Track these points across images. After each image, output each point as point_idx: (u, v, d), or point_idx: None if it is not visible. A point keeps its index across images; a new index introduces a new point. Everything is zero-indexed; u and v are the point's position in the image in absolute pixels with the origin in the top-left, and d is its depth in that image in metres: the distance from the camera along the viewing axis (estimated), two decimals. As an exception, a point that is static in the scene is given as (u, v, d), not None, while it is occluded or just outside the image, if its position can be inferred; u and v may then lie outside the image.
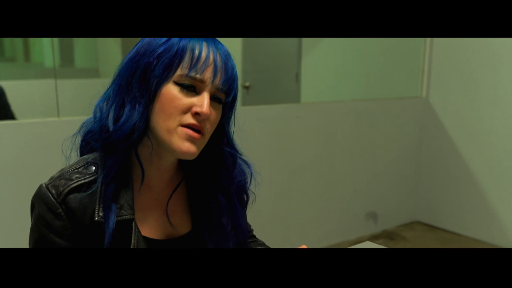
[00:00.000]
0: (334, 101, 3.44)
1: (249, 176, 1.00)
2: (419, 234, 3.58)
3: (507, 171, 3.23)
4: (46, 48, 4.56)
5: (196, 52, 0.81)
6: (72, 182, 0.82)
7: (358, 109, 3.38)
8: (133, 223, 0.84)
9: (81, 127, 0.90)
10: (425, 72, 3.65)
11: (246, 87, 4.53)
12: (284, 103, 3.55)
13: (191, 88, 0.81)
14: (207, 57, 0.81)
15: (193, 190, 0.95)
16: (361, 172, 3.46)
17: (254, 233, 1.20)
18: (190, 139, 0.81)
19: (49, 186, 0.82)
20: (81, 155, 0.90)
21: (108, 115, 0.84)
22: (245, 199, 1.01)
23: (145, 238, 0.87)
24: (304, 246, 0.95)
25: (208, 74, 0.81)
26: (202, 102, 0.81)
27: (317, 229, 3.28)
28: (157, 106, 0.82)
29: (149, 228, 0.89)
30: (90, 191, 0.82)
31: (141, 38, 0.87)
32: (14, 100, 3.23)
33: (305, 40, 4.14)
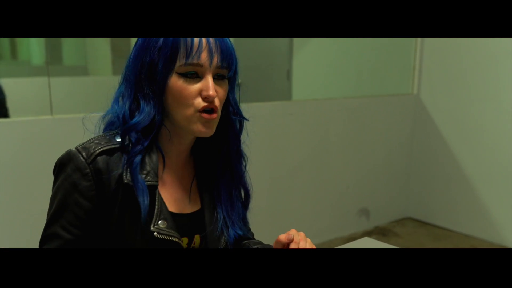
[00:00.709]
0: (327, 98, 3.45)
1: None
2: (411, 230, 3.61)
3: (497, 167, 3.27)
4: (33, 45, 4.50)
5: (189, 41, 0.87)
6: (101, 146, 0.89)
7: (350, 106, 3.39)
8: (157, 189, 0.91)
9: (103, 118, 0.96)
10: (416, 69, 3.67)
11: (237, 85, 4.52)
12: (276, 101, 3.55)
13: (194, 75, 0.88)
14: (200, 43, 0.87)
15: (201, 167, 1.02)
16: (353, 169, 3.47)
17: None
18: (207, 122, 0.90)
19: (79, 148, 0.89)
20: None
21: (124, 109, 0.91)
22: (243, 160, 1.07)
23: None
24: (293, 230, 1.01)
25: (204, 58, 0.87)
26: (207, 86, 0.88)
27: (310, 226, 3.29)
28: (170, 98, 0.90)
29: (167, 201, 0.95)
30: (117, 156, 0.89)
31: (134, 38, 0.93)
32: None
33: (296, 38, 4.14)
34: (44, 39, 3.64)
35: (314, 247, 0.98)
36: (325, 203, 3.36)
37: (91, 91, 3.86)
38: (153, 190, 0.90)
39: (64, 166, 0.89)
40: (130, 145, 0.90)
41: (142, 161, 0.90)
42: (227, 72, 0.92)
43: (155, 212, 0.90)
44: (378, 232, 3.55)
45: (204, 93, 0.88)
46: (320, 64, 4.16)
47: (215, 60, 0.88)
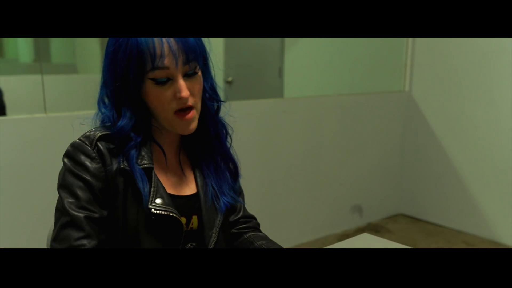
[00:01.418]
0: (320, 95, 3.46)
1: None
2: (403, 227, 3.64)
3: (489, 164, 3.31)
4: (21, 43, 4.44)
5: (151, 48, 0.91)
6: (99, 132, 0.97)
7: (343, 103, 3.40)
8: (153, 171, 0.98)
9: (94, 120, 1.03)
10: (408, 66, 3.70)
11: (228, 82, 4.50)
12: (270, 98, 3.55)
13: (165, 80, 0.93)
14: (162, 48, 0.91)
15: (193, 153, 1.09)
16: (346, 166, 3.49)
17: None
18: (186, 121, 0.96)
19: (81, 138, 0.96)
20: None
21: (109, 112, 0.99)
22: (227, 134, 1.13)
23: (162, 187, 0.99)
24: None
25: (168, 61, 0.91)
26: (179, 88, 0.93)
27: (304, 223, 3.30)
28: (149, 102, 0.96)
29: (165, 184, 1.01)
30: (117, 144, 0.96)
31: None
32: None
33: (288, 35, 4.14)
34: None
35: None
36: (319, 200, 3.37)
37: (82, 89, 3.83)
38: (149, 172, 0.97)
39: (72, 156, 0.96)
40: (125, 145, 0.97)
41: (137, 151, 0.98)
42: (196, 66, 0.96)
43: (151, 191, 0.96)
44: (371, 229, 3.57)
45: (178, 95, 0.93)
46: (312, 61, 4.16)
47: (180, 61, 0.92)
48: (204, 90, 1.02)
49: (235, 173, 1.14)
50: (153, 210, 0.95)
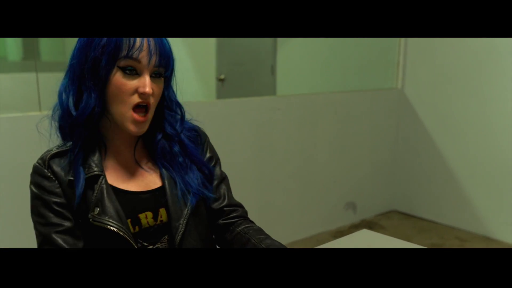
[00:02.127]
0: (313, 93, 3.46)
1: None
2: (396, 223, 3.66)
3: (481, 160, 3.34)
4: (10, 41, 4.39)
5: (132, 39, 0.96)
6: (52, 152, 1.02)
7: (336, 101, 3.41)
8: (101, 177, 1.01)
9: (54, 112, 1.05)
10: (401, 64, 3.72)
11: (221, 80, 4.50)
12: (262, 96, 3.55)
13: (133, 71, 0.97)
14: (141, 43, 0.96)
15: (153, 149, 1.10)
16: (340, 163, 3.50)
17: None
18: (139, 123, 0.99)
19: (39, 161, 1.02)
20: (62, 137, 1.06)
21: (68, 100, 1.00)
22: (198, 137, 1.16)
23: (117, 189, 1.03)
24: None
25: (143, 57, 0.96)
26: (144, 83, 0.96)
27: (298, 221, 3.31)
28: (110, 92, 0.98)
29: (124, 183, 1.05)
30: (67, 158, 1.01)
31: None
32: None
33: (281, 33, 4.14)
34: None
35: None
36: (313, 197, 3.38)
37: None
38: (95, 179, 1.01)
39: (32, 180, 1.02)
40: (72, 143, 1.01)
41: (85, 156, 1.02)
42: (164, 71, 1.01)
43: (93, 199, 0.99)
44: (364, 225, 3.59)
45: (141, 89, 0.97)
46: (304, 59, 4.17)
47: (154, 59, 0.97)
48: (163, 99, 1.06)
49: (208, 174, 1.14)
50: (91, 220, 0.99)
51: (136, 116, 0.99)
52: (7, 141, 2.10)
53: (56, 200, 0.99)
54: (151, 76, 0.98)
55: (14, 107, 2.97)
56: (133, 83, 0.97)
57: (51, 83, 3.07)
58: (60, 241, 0.98)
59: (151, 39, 0.97)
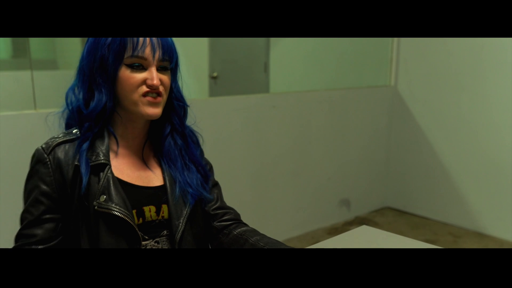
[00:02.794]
0: (307, 90, 3.47)
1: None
2: (390, 219, 3.68)
3: (473, 156, 3.37)
4: (-1, 39, 4.34)
5: (135, 38, 1.01)
6: (59, 139, 1.05)
7: (330, 98, 3.42)
8: (107, 166, 1.04)
9: (62, 114, 1.10)
10: (394, 61, 3.74)
11: (214, 78, 4.48)
12: (256, 93, 3.54)
13: (140, 67, 1.02)
14: (144, 40, 1.01)
15: (160, 145, 1.14)
16: (334, 160, 3.51)
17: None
18: (153, 104, 1.03)
19: (42, 145, 1.04)
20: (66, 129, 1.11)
21: (78, 100, 1.05)
22: (196, 139, 1.22)
23: (121, 181, 1.06)
24: None
25: (148, 52, 1.01)
26: (152, 76, 1.02)
27: (293, 218, 3.31)
28: (119, 87, 1.03)
29: (128, 177, 1.08)
30: (74, 146, 1.04)
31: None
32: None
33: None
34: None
35: None
36: (307, 194, 3.39)
37: (65, 85, 3.76)
38: (101, 168, 1.03)
39: (31, 162, 1.05)
40: (81, 137, 1.04)
41: (92, 145, 1.04)
42: (169, 64, 1.06)
43: (99, 187, 1.02)
44: (358, 222, 3.60)
45: (149, 82, 1.02)
46: (298, 56, 4.17)
47: (157, 54, 1.02)
48: (171, 90, 1.10)
49: (205, 175, 1.18)
50: (96, 207, 1.00)
51: (149, 98, 1.03)
52: (3, 139, 2.07)
53: (43, 187, 1.02)
54: (157, 69, 1.03)
55: (6, 105, 2.94)
56: (140, 75, 1.02)
57: (44, 81, 3.03)
58: (27, 231, 1.02)
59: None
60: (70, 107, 1.06)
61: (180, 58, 1.11)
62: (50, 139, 1.05)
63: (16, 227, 2.21)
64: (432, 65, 3.53)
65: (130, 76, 1.02)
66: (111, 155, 1.07)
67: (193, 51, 4.55)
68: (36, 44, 4.46)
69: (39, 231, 1.01)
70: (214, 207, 1.19)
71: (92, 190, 1.01)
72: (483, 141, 3.30)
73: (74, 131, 1.06)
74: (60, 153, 1.03)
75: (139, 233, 1.03)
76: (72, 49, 4.34)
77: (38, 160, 1.03)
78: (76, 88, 1.06)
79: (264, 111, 3.05)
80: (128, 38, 1.00)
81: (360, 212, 3.75)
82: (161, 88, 1.04)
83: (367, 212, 3.81)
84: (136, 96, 1.02)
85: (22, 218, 1.04)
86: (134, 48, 1.00)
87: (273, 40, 4.19)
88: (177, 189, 1.10)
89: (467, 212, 3.44)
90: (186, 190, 1.11)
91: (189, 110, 1.17)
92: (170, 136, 1.13)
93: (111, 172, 1.04)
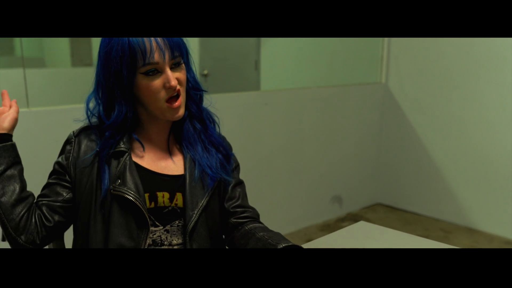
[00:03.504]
0: (299, 87, 3.47)
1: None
2: (381, 216, 3.71)
3: (464, 153, 3.41)
4: (-15, 36, 4.27)
5: (142, 46, 1.03)
6: (86, 124, 1.15)
7: (322, 95, 3.43)
8: (126, 153, 1.10)
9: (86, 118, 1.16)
10: (384, 58, 3.76)
11: (204, 75, 4.47)
12: (246, 91, 3.54)
13: (155, 71, 1.05)
14: (151, 45, 1.04)
15: (180, 136, 1.18)
16: (326, 157, 3.52)
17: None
18: (176, 109, 1.09)
19: (74, 130, 1.15)
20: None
21: (99, 111, 1.12)
22: (213, 122, 1.25)
23: (139, 166, 1.12)
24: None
25: (157, 56, 1.04)
26: (168, 78, 1.05)
27: (285, 215, 3.32)
28: (140, 95, 1.08)
29: (148, 164, 1.14)
30: (96, 134, 1.12)
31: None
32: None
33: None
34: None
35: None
36: (300, 191, 3.39)
37: (53, 84, 3.72)
38: (121, 154, 1.10)
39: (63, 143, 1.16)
40: (102, 140, 1.11)
41: (114, 133, 1.11)
42: (181, 59, 1.09)
43: (116, 172, 1.09)
44: (350, 219, 3.62)
45: (167, 85, 1.05)
46: (289, 54, 4.18)
47: (167, 55, 1.05)
48: (187, 81, 1.13)
49: (226, 154, 1.22)
50: (112, 190, 1.07)
51: (171, 105, 1.08)
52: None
53: (61, 161, 1.12)
54: (171, 68, 1.07)
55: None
56: (158, 82, 1.06)
57: (32, 79, 2.98)
58: (40, 192, 1.12)
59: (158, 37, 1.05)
60: (91, 119, 1.14)
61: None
62: (83, 124, 1.15)
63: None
64: (423, 62, 3.56)
65: (148, 84, 1.06)
66: (136, 145, 1.14)
67: (189, 46, 4.53)
68: (23, 42, 4.40)
69: (47, 191, 1.11)
70: (234, 205, 1.22)
71: (111, 174, 1.09)
72: (473, 138, 3.34)
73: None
74: (84, 136, 1.13)
75: (147, 215, 1.08)
76: (59, 47, 4.30)
77: (66, 140, 1.14)
78: (94, 100, 1.13)
79: (256, 109, 3.05)
80: (136, 48, 1.03)
81: (352, 208, 3.77)
82: (178, 87, 1.08)
83: (359, 209, 3.83)
84: (160, 103, 1.07)
85: (42, 188, 1.14)
86: (144, 57, 1.03)
87: (264, 38, 4.19)
88: (197, 172, 1.14)
89: (458, 208, 3.48)
90: (206, 172, 1.15)
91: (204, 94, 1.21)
92: (188, 122, 1.17)
93: (130, 159, 1.11)
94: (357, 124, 3.71)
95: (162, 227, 1.11)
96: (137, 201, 1.07)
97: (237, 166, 1.30)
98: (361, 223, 1.73)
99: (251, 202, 3.32)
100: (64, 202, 1.10)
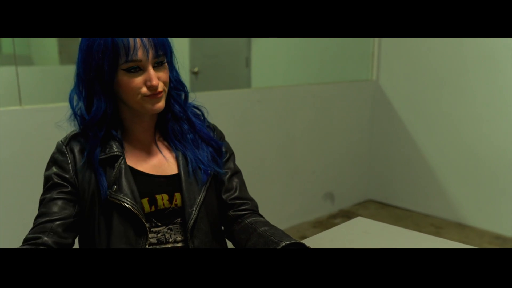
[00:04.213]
0: (291, 85, 3.48)
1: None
2: (373, 212, 3.73)
3: (454, 149, 3.44)
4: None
5: (126, 42, 1.01)
6: (74, 131, 1.12)
7: (313, 92, 3.44)
8: (121, 157, 1.08)
9: (69, 120, 1.13)
10: (375, 56, 3.78)
11: (194, 73, 4.45)
12: (237, 88, 3.54)
13: (137, 68, 1.03)
14: (135, 42, 1.01)
15: (164, 131, 1.17)
16: (318, 154, 3.54)
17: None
18: (156, 100, 1.06)
19: (62, 138, 1.12)
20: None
21: (80, 106, 1.09)
22: (201, 112, 1.23)
23: (136, 170, 1.11)
24: None
25: (141, 54, 1.02)
26: (150, 77, 1.03)
27: (279, 212, 3.32)
28: (121, 91, 1.05)
29: (142, 166, 1.13)
30: (85, 140, 1.10)
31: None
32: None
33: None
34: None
35: None
36: (292, 188, 3.40)
37: (40, 81, 3.68)
38: (115, 159, 1.08)
39: (52, 153, 1.12)
40: (89, 142, 1.09)
41: (106, 138, 1.09)
42: (164, 58, 1.07)
43: (112, 178, 1.07)
44: (342, 215, 3.64)
45: (148, 83, 1.03)
46: (280, 51, 4.18)
47: (151, 53, 1.03)
48: (170, 81, 1.11)
49: (217, 147, 1.21)
50: (108, 196, 1.05)
51: (152, 96, 1.06)
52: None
53: (61, 173, 1.08)
54: (154, 67, 1.05)
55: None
56: (139, 79, 1.04)
57: (20, 76, 2.95)
58: (44, 209, 1.06)
59: None
60: (75, 113, 1.10)
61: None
62: (70, 132, 1.12)
63: (4, 224, 2.16)
64: (414, 59, 3.59)
65: (129, 81, 1.03)
66: (126, 148, 1.12)
67: (173, 46, 4.51)
68: (8, 39, 4.34)
69: (55, 208, 1.06)
70: (232, 196, 1.21)
71: (107, 180, 1.07)
72: (463, 134, 3.38)
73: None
74: (74, 143, 1.10)
75: (144, 221, 1.07)
76: (47, 44, 4.25)
77: (56, 151, 1.11)
78: (76, 96, 1.10)
79: (248, 106, 3.05)
80: (120, 43, 1.00)
81: (343, 205, 3.79)
82: (160, 87, 1.06)
83: (351, 205, 3.85)
84: (139, 97, 1.05)
85: (40, 201, 1.08)
86: (127, 53, 1.01)
87: (254, 35, 4.19)
88: (190, 168, 1.13)
89: (448, 204, 3.52)
90: (198, 166, 1.14)
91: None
92: (173, 122, 1.16)
93: (124, 163, 1.09)
94: (349, 121, 3.73)
95: (165, 227, 1.11)
96: (134, 208, 1.06)
97: (232, 155, 1.28)
98: (358, 219, 1.74)
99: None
100: (75, 217, 1.07)
